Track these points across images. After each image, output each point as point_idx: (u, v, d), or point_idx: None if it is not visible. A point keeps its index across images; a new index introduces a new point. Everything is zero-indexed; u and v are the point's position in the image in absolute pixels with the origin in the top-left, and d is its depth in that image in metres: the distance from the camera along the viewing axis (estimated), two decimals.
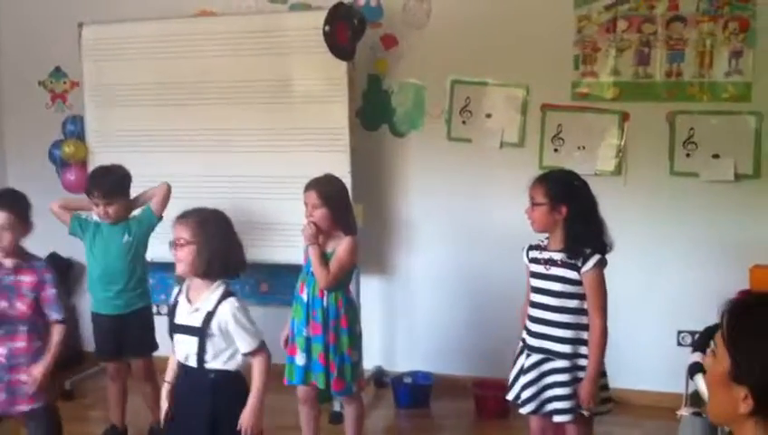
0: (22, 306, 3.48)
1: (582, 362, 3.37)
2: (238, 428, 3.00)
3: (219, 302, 2.98)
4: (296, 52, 5.06)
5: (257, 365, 3.04)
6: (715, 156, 4.75)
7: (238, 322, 2.98)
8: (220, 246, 3.00)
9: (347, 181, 4.64)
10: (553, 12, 4.95)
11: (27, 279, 3.50)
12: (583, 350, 3.37)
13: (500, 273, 4.71)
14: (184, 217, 3.04)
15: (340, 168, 4.74)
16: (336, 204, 3.86)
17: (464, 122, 5.17)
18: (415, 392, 5.03)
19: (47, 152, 5.65)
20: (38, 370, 3.50)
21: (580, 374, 3.36)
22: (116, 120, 5.41)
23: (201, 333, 2.97)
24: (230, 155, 5.18)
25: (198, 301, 3.02)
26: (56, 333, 3.56)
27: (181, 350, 3.06)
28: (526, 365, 3.44)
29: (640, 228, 4.84)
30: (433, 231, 5.26)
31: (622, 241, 4.69)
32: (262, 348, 3.06)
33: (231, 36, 5.19)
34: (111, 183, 4.32)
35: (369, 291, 5.22)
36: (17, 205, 3.58)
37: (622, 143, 4.90)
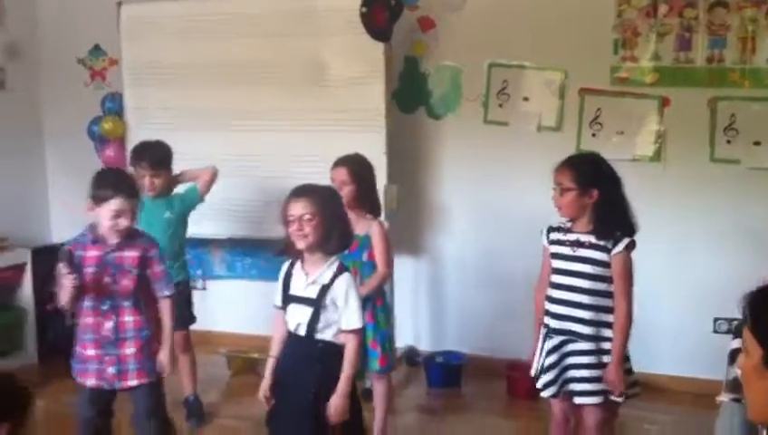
0: (125, 282, 3.47)
1: (605, 345, 3.33)
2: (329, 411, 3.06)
3: (336, 276, 3.07)
4: (333, 33, 5.05)
5: (352, 346, 3.08)
6: (757, 143, 4.70)
7: (350, 297, 3.07)
8: (339, 221, 3.10)
9: (382, 163, 4.66)
10: None
11: (130, 255, 3.48)
12: (606, 332, 3.33)
13: (534, 256, 4.67)
14: (304, 194, 3.07)
15: (376, 149, 4.75)
16: (364, 183, 3.90)
17: (500, 106, 5.15)
18: (446, 372, 5.04)
19: (86, 129, 5.71)
20: (164, 354, 3.54)
21: (604, 358, 3.33)
22: (154, 98, 5.45)
23: (316, 304, 3.06)
24: (267, 135, 5.20)
25: (315, 274, 3.10)
26: (167, 309, 3.57)
27: (293, 319, 3.13)
28: (548, 348, 3.41)
29: (679, 215, 4.82)
30: (467, 213, 5.26)
31: (660, 227, 4.70)
32: (360, 331, 3.12)
33: (269, 17, 5.19)
34: (159, 154, 4.38)
35: (403, 271, 5.22)
36: (135, 187, 3.58)
37: (662, 129, 4.86)
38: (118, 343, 3.48)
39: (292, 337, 3.15)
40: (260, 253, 5.51)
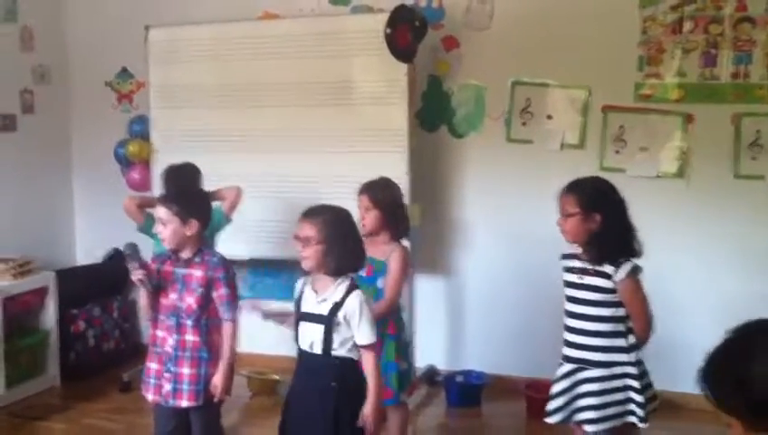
0: (190, 300, 3.46)
1: (618, 370, 3.28)
2: (359, 423, 3.06)
3: (347, 293, 3.07)
4: (357, 54, 5.07)
5: (369, 362, 3.08)
6: None
7: (363, 313, 3.05)
8: (343, 245, 3.07)
9: (405, 182, 4.64)
10: (618, 13, 4.87)
11: (197, 274, 3.47)
12: (619, 357, 3.28)
13: (556, 275, 4.60)
14: (311, 215, 3.09)
15: (399, 168, 4.75)
16: (387, 207, 3.84)
17: (524, 124, 5.12)
18: (466, 392, 4.99)
19: (112, 151, 5.76)
20: (217, 378, 3.47)
21: (615, 383, 3.28)
22: (180, 121, 5.49)
23: (328, 321, 3.06)
24: (291, 155, 5.21)
25: (325, 293, 3.10)
26: (227, 333, 3.50)
27: (306, 337, 3.12)
28: (559, 375, 3.38)
29: (703, 232, 4.74)
30: (490, 232, 5.22)
31: (684, 244, 4.63)
32: (374, 345, 3.09)
33: (293, 38, 5.23)
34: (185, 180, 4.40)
35: (425, 290, 5.19)
36: (175, 200, 3.53)
37: (686, 145, 4.80)
38: (177, 361, 3.46)
39: (305, 355, 3.13)
40: (280, 274, 5.50)
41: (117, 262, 5.92)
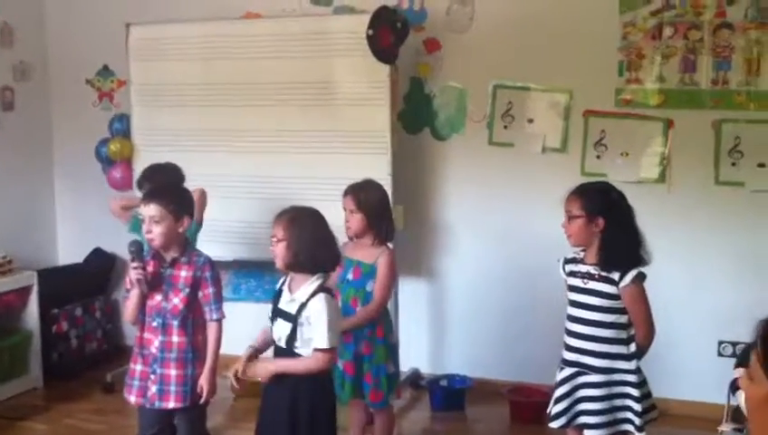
0: (176, 301, 3.46)
1: (617, 377, 3.34)
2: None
3: (312, 295, 3.14)
4: (339, 55, 5.07)
5: (313, 359, 3.13)
6: (761, 165, 4.68)
7: (321, 317, 3.11)
8: (308, 243, 3.15)
9: (387, 184, 4.65)
10: (598, 18, 4.91)
11: (183, 274, 3.47)
12: (620, 364, 3.34)
13: (539, 278, 4.68)
14: (279, 215, 3.23)
15: (381, 170, 4.77)
16: (372, 210, 3.86)
17: (505, 127, 5.15)
18: (450, 396, 5.02)
19: (94, 150, 5.73)
20: (204, 379, 3.47)
21: (615, 390, 3.34)
22: (162, 120, 5.47)
23: (294, 320, 3.15)
24: (272, 156, 5.22)
25: (297, 292, 3.19)
26: (213, 333, 3.51)
27: (276, 332, 3.23)
28: (559, 379, 3.43)
29: (684, 237, 4.80)
30: (473, 235, 5.25)
31: (665, 250, 4.65)
32: (331, 352, 3.15)
33: (275, 39, 5.22)
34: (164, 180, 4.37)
35: (408, 293, 5.22)
36: (168, 196, 3.51)
37: (666, 151, 4.85)
38: (163, 363, 3.45)
39: (276, 349, 3.24)
40: (264, 275, 5.51)
41: (98, 261, 5.93)
